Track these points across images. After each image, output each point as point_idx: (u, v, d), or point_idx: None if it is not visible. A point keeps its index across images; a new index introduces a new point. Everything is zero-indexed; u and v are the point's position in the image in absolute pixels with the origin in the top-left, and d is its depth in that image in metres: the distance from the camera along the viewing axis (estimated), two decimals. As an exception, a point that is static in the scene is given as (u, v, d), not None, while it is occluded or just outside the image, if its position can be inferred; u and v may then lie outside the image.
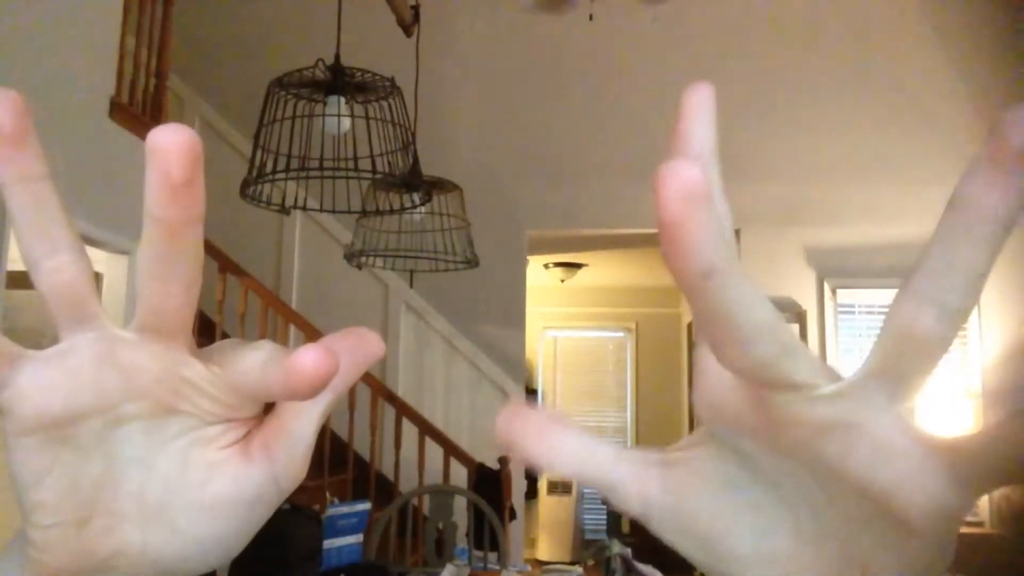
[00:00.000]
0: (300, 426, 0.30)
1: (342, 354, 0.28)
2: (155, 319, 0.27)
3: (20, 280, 3.52)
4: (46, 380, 0.27)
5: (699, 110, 0.26)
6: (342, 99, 2.83)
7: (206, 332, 4.56)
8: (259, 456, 0.29)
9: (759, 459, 0.26)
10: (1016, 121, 0.20)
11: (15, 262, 3.30)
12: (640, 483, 0.28)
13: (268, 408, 0.30)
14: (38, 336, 4.32)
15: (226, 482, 0.29)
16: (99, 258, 3.81)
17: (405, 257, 3.96)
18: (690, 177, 0.21)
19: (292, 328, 4.84)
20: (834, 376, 0.23)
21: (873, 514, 0.24)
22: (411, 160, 2.99)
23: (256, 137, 2.78)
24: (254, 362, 0.28)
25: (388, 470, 4.88)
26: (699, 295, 0.23)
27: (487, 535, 3.38)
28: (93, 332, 0.27)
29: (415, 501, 4.45)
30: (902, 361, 0.22)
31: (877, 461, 0.23)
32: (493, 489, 4.34)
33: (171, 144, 0.24)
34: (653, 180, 0.21)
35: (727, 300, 0.22)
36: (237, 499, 0.29)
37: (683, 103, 0.26)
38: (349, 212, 3.22)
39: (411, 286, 5.34)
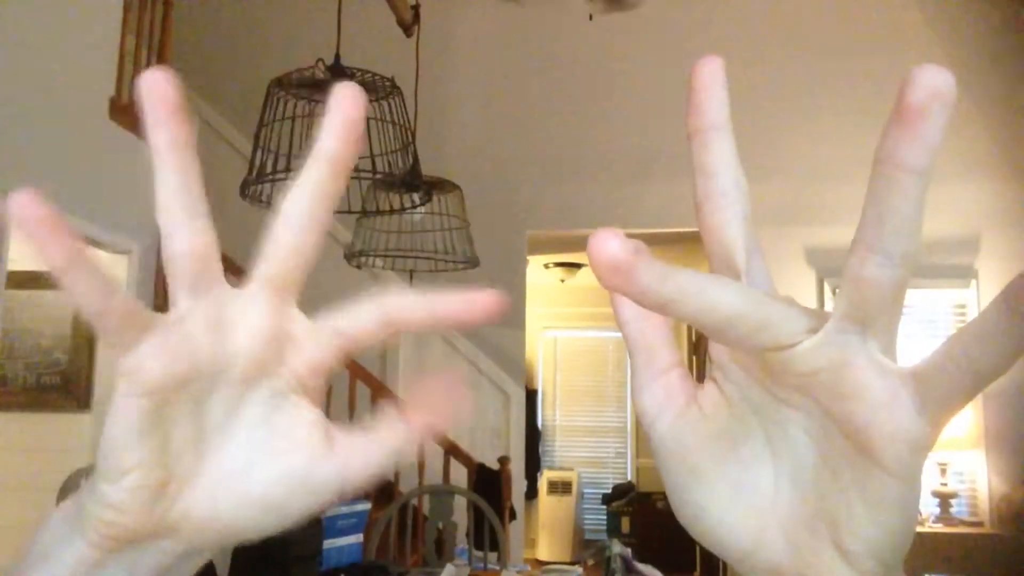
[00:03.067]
0: (381, 451, 0.31)
1: (441, 415, 0.31)
2: (286, 264, 0.30)
3: (20, 280, 3.51)
4: (171, 344, 0.28)
5: (712, 81, 0.28)
6: (342, 99, 2.82)
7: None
8: (342, 454, 0.31)
9: (761, 409, 0.28)
10: (915, 80, 0.23)
11: (15, 262, 3.30)
12: (670, 395, 0.30)
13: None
14: (38, 336, 4.32)
15: (302, 462, 0.30)
16: (99, 258, 3.81)
17: (405, 257, 3.96)
18: (614, 254, 0.24)
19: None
20: (814, 317, 0.25)
21: (852, 458, 0.25)
22: (411, 160, 2.99)
23: (256, 137, 2.78)
24: (381, 298, 0.31)
25: (388, 470, 4.88)
26: (664, 313, 0.26)
27: (487, 535, 3.38)
28: (212, 295, 0.29)
29: (415, 501, 4.44)
30: (863, 304, 0.25)
31: (855, 398, 0.25)
32: (493, 489, 4.34)
33: (354, 91, 0.29)
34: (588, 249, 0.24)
35: (690, 315, 0.25)
36: (307, 481, 0.30)
37: (695, 76, 0.28)
38: (349, 212, 3.22)
39: (411, 286, 5.34)
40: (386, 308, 0.31)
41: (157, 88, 0.28)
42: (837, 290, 0.26)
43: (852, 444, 0.25)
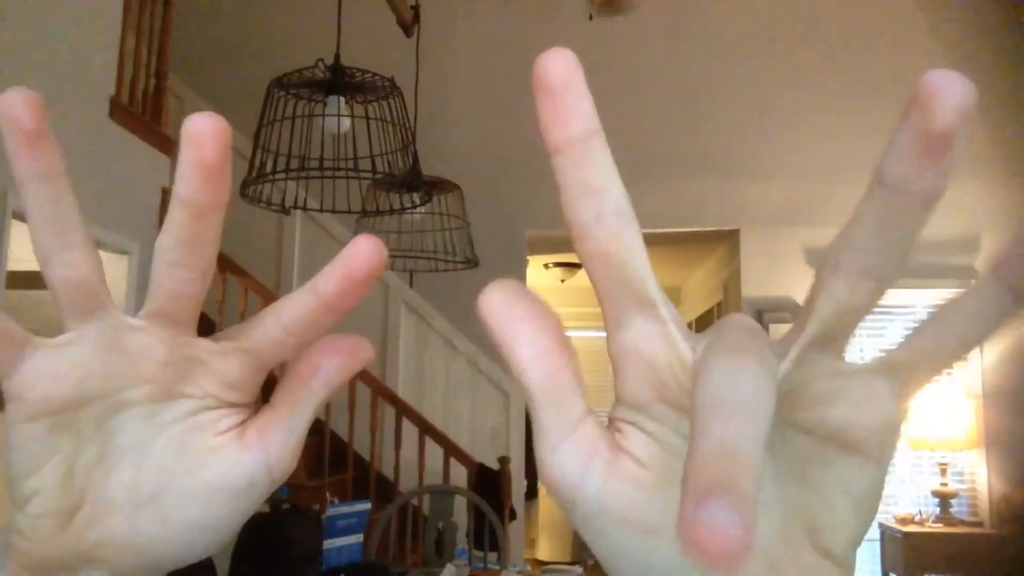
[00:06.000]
0: (294, 418, 0.30)
1: (339, 353, 0.30)
2: (169, 304, 0.28)
3: (20, 280, 3.52)
4: (54, 366, 0.27)
5: (572, 78, 0.24)
6: (342, 99, 2.83)
7: (206, 332, 4.49)
8: (254, 443, 0.30)
9: None
10: (940, 97, 0.20)
11: (15, 262, 3.31)
12: (593, 449, 0.25)
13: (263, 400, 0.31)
14: (38, 336, 4.31)
15: (220, 468, 0.29)
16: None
17: (405, 257, 3.96)
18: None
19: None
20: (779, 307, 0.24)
21: (826, 458, 0.25)
22: (411, 160, 2.99)
23: (256, 137, 2.78)
24: (277, 307, 0.29)
25: (388, 470, 4.88)
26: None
27: (487, 535, 3.38)
28: (101, 321, 0.28)
29: (415, 501, 4.44)
30: (841, 328, 0.24)
31: (825, 404, 0.24)
32: (493, 489, 4.34)
33: (206, 129, 0.25)
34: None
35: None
36: (230, 485, 0.29)
37: (546, 75, 0.24)
38: (349, 212, 3.22)
39: (411, 286, 5.34)
40: (280, 318, 0.29)
41: (12, 113, 0.25)
42: (808, 304, 0.24)
43: (831, 443, 0.24)
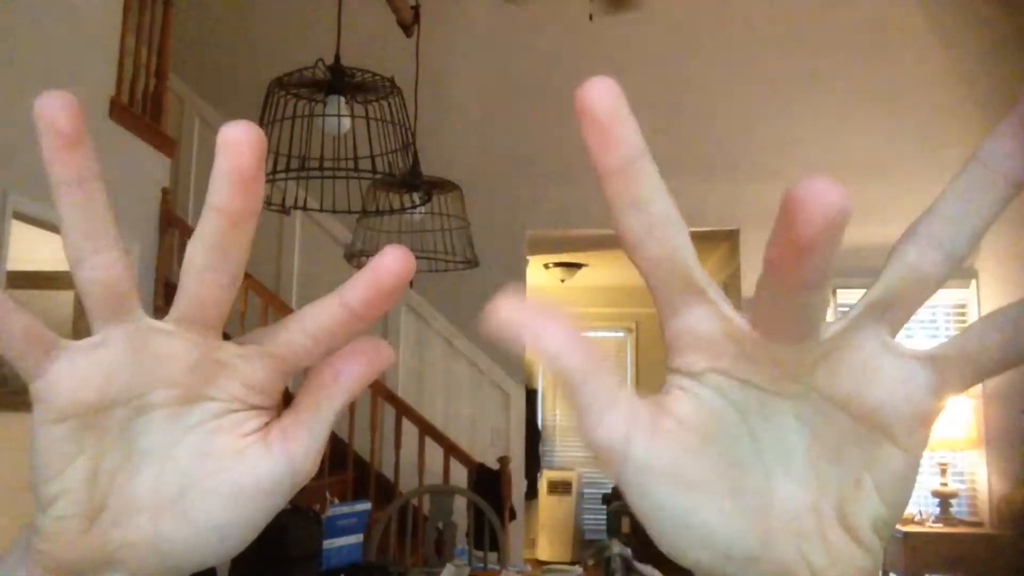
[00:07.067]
0: (317, 421, 0.30)
1: (360, 358, 0.31)
2: (197, 309, 0.28)
3: (20, 280, 3.52)
4: (81, 369, 0.27)
5: (618, 107, 0.25)
6: (342, 99, 2.83)
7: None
8: (277, 446, 0.30)
9: (744, 405, 0.27)
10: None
11: (15, 262, 3.31)
12: (633, 417, 0.27)
13: (286, 404, 0.31)
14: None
15: (244, 469, 0.29)
16: (99, 258, 3.81)
17: (405, 257, 3.95)
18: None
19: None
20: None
21: (860, 436, 0.26)
22: (411, 160, 2.99)
23: (256, 137, 2.77)
24: (301, 314, 0.30)
25: (388, 470, 4.88)
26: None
27: (487, 535, 3.38)
28: (129, 324, 0.28)
29: (415, 501, 4.44)
30: (903, 295, 0.25)
31: (868, 378, 0.25)
32: (493, 489, 4.34)
33: (244, 138, 0.26)
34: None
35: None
36: (253, 487, 0.29)
37: (593, 105, 0.25)
38: (349, 212, 3.22)
39: (411, 286, 5.33)
40: (304, 325, 0.30)
41: (50, 116, 0.25)
42: (885, 274, 0.26)
43: (863, 423, 0.26)
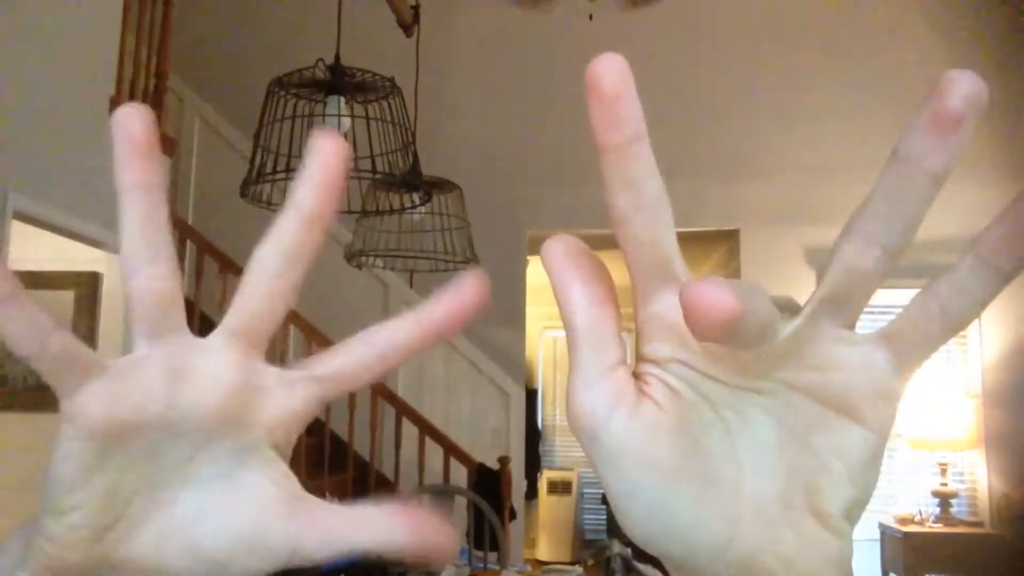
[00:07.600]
0: (348, 532, 0.29)
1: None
2: (252, 322, 0.29)
3: (20, 280, 3.51)
4: (115, 393, 0.27)
5: (624, 85, 0.26)
6: (342, 99, 2.83)
7: (206, 332, 4.54)
8: (303, 515, 0.29)
9: (712, 397, 0.27)
10: (952, 86, 0.23)
11: (15, 262, 3.30)
12: (621, 393, 0.27)
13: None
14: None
15: (259, 521, 0.29)
16: (99, 258, 3.82)
17: (405, 257, 3.96)
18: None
19: (292, 328, 4.85)
20: (779, 306, 0.26)
21: (827, 423, 0.27)
22: (411, 160, 2.99)
23: (256, 137, 2.78)
24: (366, 334, 0.30)
25: (388, 470, 4.88)
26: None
27: (487, 535, 3.38)
28: (172, 344, 0.28)
29: (415, 501, 4.44)
30: (848, 293, 0.26)
31: (829, 368, 0.26)
32: (493, 489, 4.34)
33: (333, 147, 0.28)
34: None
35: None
36: (262, 547, 0.29)
37: (601, 81, 0.26)
38: (349, 212, 3.22)
39: (411, 286, 5.34)
40: (374, 342, 0.30)
41: (128, 124, 0.27)
42: (822, 271, 0.26)
43: (830, 408, 0.26)
